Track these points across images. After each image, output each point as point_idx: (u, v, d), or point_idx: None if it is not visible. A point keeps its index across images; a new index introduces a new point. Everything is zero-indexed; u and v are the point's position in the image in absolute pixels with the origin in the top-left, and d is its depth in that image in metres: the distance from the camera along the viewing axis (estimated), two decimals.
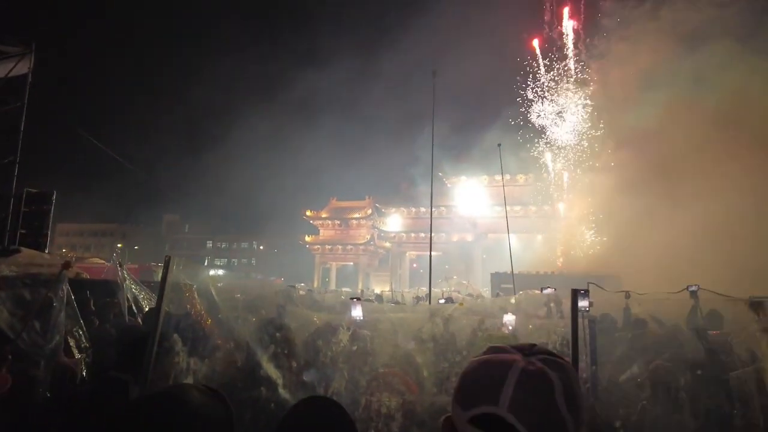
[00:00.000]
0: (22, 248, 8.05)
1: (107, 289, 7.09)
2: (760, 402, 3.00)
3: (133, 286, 6.09)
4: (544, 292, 7.45)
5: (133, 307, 5.90)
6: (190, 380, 4.15)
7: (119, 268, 6.23)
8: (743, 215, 19.39)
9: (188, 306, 4.73)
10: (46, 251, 9.65)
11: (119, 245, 70.09)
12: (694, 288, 5.84)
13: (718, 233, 19.69)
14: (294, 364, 4.18)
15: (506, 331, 5.08)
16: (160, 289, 3.45)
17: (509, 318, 5.48)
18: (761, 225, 18.64)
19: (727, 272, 14.26)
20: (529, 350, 0.95)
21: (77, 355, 4.64)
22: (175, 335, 4.22)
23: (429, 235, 14.45)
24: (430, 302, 10.91)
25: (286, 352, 4.17)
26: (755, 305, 3.16)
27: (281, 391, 3.94)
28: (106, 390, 2.74)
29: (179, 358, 4.09)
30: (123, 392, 2.73)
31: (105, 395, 2.65)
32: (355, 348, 4.77)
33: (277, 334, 4.23)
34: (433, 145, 14.13)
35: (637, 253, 23.35)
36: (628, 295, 6.36)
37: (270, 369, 4.03)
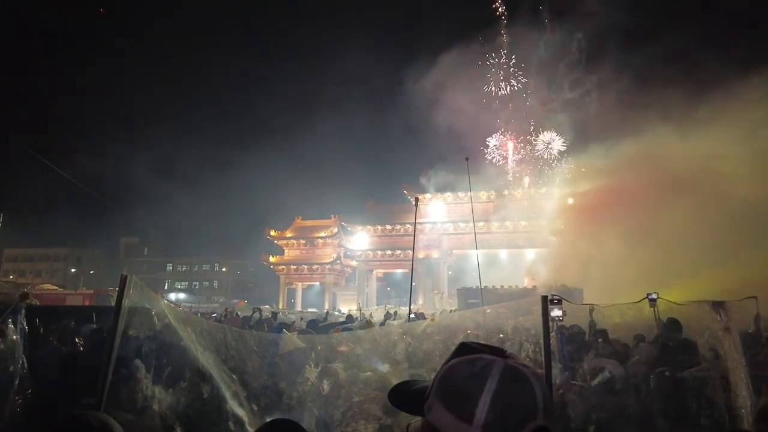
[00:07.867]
0: None
1: (60, 316, 6.75)
2: (725, 401, 3.10)
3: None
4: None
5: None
6: (156, 410, 3.93)
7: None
8: (692, 229, 20.91)
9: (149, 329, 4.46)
10: None
11: (73, 270, 66.96)
12: (654, 296, 6.07)
13: (669, 248, 21.26)
14: (254, 407, 4.03)
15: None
16: (115, 311, 3.24)
17: None
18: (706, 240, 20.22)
19: (678, 283, 15.48)
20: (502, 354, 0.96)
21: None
22: (137, 360, 4.00)
23: (395, 253, 14.46)
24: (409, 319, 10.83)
25: (245, 395, 4.03)
26: (716, 306, 3.28)
27: (248, 428, 3.78)
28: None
29: (143, 384, 3.87)
30: None
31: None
32: (325, 384, 4.60)
33: (234, 376, 4.08)
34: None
35: (596, 267, 24.67)
36: (592, 307, 6.76)
37: (234, 406, 3.87)
